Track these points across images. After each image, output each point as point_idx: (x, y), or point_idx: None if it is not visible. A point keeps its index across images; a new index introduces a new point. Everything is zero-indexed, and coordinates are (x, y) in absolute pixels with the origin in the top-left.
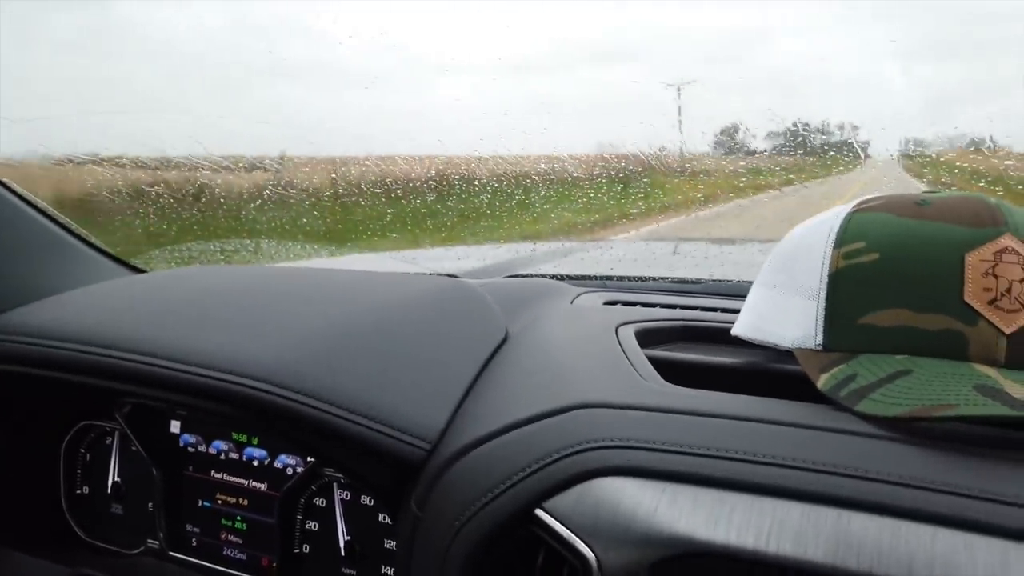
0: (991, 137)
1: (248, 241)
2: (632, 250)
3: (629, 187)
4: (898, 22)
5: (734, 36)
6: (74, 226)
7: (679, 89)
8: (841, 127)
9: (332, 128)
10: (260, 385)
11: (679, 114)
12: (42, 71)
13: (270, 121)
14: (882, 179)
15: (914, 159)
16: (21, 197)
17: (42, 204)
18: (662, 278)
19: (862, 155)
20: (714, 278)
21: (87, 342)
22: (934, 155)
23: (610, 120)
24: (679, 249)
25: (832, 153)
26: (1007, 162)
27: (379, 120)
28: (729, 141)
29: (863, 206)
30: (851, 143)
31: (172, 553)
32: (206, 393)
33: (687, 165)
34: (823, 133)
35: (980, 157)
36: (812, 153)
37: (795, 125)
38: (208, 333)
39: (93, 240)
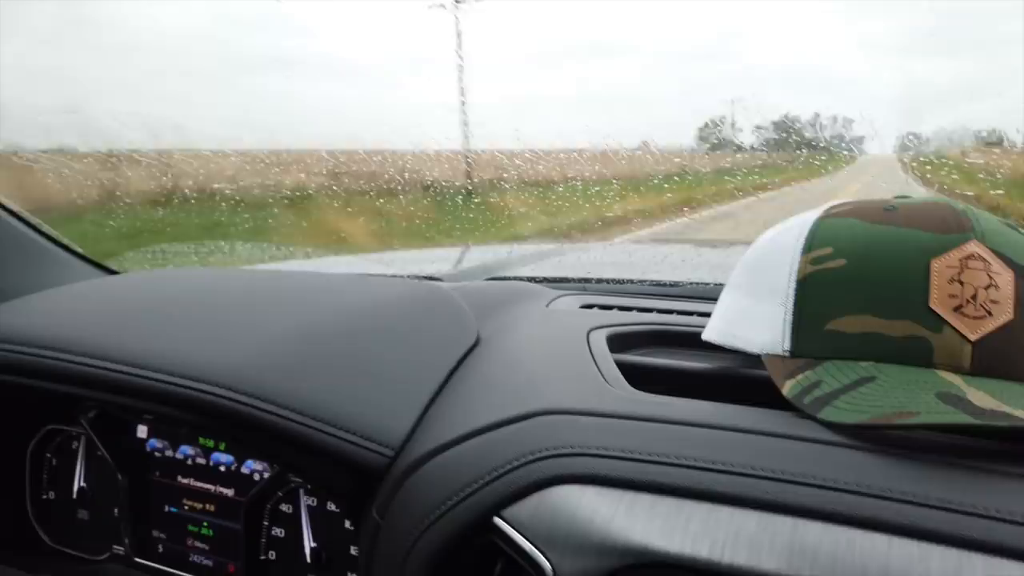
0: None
1: (223, 243)
2: (611, 253)
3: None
4: (897, 16)
5: (723, 32)
6: (44, 226)
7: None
8: (834, 120)
9: (302, 122)
10: (220, 391)
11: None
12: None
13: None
14: (880, 181)
15: (931, 162)
16: None
17: (10, 203)
18: (640, 281)
19: (856, 152)
20: (692, 281)
21: (48, 347)
22: (936, 156)
23: (598, 115)
24: (658, 252)
25: (824, 148)
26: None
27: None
28: (713, 136)
29: (832, 211)
30: (844, 139)
31: (138, 559)
32: (167, 399)
33: (665, 167)
34: (814, 128)
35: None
36: (801, 148)
37: (785, 119)
38: (172, 338)
39: (64, 240)
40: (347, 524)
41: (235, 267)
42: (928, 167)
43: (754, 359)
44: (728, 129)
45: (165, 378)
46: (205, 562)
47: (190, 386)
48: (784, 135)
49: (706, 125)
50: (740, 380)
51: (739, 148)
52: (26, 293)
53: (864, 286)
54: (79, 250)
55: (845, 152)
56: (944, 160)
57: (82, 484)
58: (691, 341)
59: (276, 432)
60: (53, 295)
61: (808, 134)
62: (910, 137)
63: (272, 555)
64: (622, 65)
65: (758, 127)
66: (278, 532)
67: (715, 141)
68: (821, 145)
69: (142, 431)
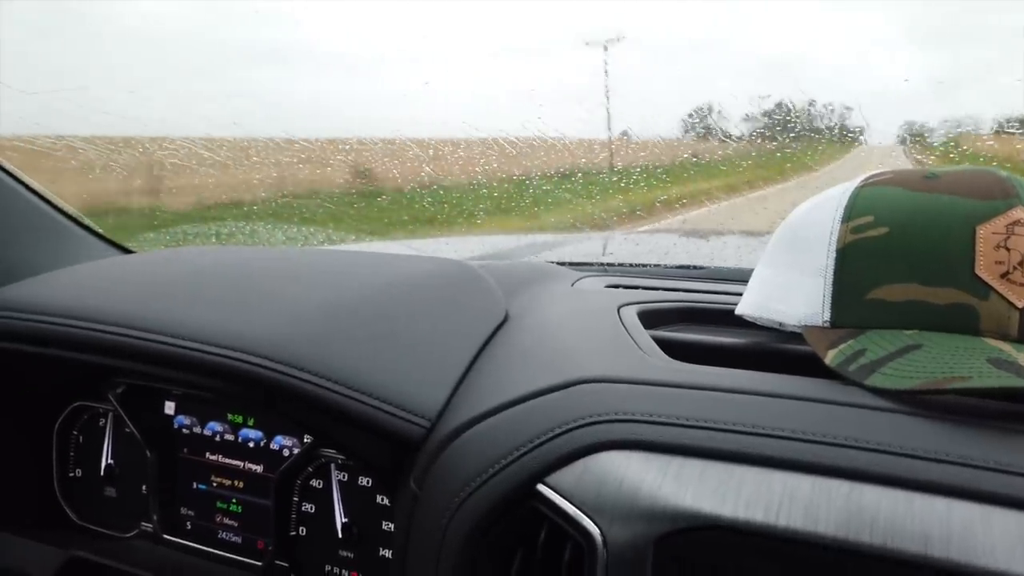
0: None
1: (243, 224)
2: (631, 240)
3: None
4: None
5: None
6: (66, 206)
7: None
8: (830, 108)
9: (311, 112)
10: (257, 360)
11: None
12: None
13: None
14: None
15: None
16: (12, 176)
17: (35, 184)
18: (663, 264)
19: (862, 139)
20: (715, 263)
21: (79, 316)
22: (950, 145)
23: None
24: (679, 241)
25: (825, 136)
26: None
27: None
28: (701, 124)
29: (871, 180)
30: (845, 127)
31: (166, 536)
32: (201, 368)
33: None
34: (811, 115)
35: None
36: (799, 139)
37: (779, 106)
38: (203, 309)
39: (85, 220)
40: (379, 499)
41: (259, 247)
42: (950, 156)
43: (788, 335)
44: (715, 117)
45: (199, 346)
46: (234, 539)
47: (226, 355)
48: (777, 124)
49: (691, 114)
50: (775, 355)
51: (728, 137)
52: (47, 270)
53: (908, 254)
54: (99, 229)
55: (837, 141)
56: (965, 150)
57: (110, 461)
58: (722, 318)
59: (313, 401)
60: (79, 270)
61: (801, 123)
62: (915, 127)
63: (303, 531)
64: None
65: (747, 116)
66: (308, 508)
67: (701, 131)
68: (815, 134)
69: (170, 407)
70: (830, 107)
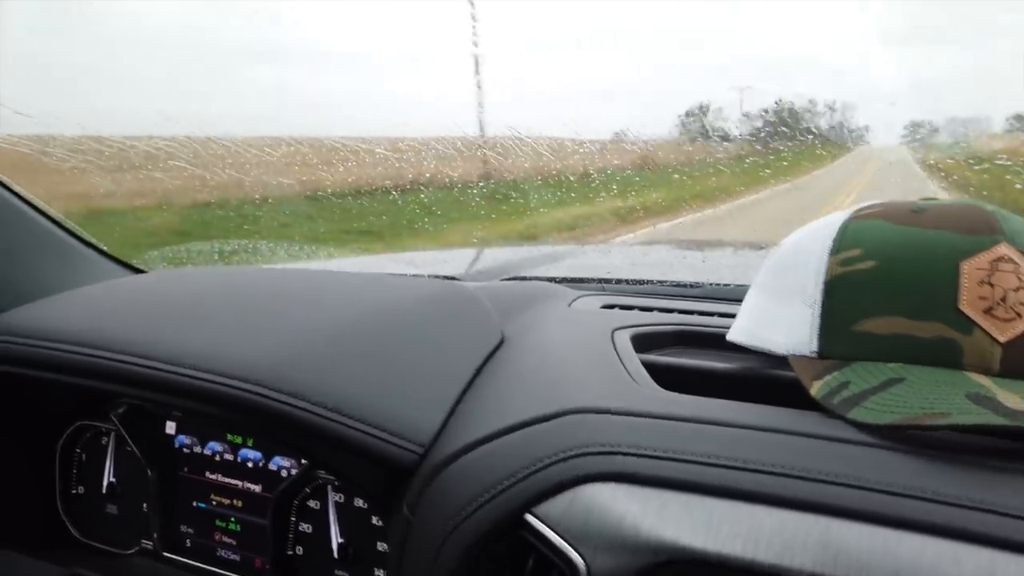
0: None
1: (247, 242)
2: (628, 253)
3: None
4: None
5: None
6: (71, 225)
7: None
8: (831, 108)
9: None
10: (251, 387)
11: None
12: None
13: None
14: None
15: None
16: (18, 195)
17: (39, 202)
18: (660, 281)
19: (861, 142)
20: (712, 282)
21: (80, 343)
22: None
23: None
24: (677, 253)
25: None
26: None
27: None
28: (697, 124)
29: (860, 213)
30: (845, 129)
31: (166, 554)
32: (197, 395)
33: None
34: (809, 116)
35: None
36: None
37: (778, 103)
38: (201, 334)
39: (90, 239)
40: (374, 520)
41: (260, 266)
42: (966, 166)
43: (779, 360)
44: (711, 117)
45: (197, 374)
46: (232, 557)
47: (222, 382)
48: (776, 124)
49: (687, 113)
50: (766, 381)
51: (725, 138)
52: (52, 291)
53: (894, 288)
54: (103, 248)
55: (848, 142)
56: (980, 158)
57: (111, 479)
58: (715, 342)
59: (307, 428)
60: (83, 293)
61: (802, 123)
62: (920, 128)
63: (299, 550)
64: (606, 56)
65: (745, 115)
66: (305, 528)
67: (696, 133)
68: (815, 135)
69: (171, 427)
70: (834, 107)
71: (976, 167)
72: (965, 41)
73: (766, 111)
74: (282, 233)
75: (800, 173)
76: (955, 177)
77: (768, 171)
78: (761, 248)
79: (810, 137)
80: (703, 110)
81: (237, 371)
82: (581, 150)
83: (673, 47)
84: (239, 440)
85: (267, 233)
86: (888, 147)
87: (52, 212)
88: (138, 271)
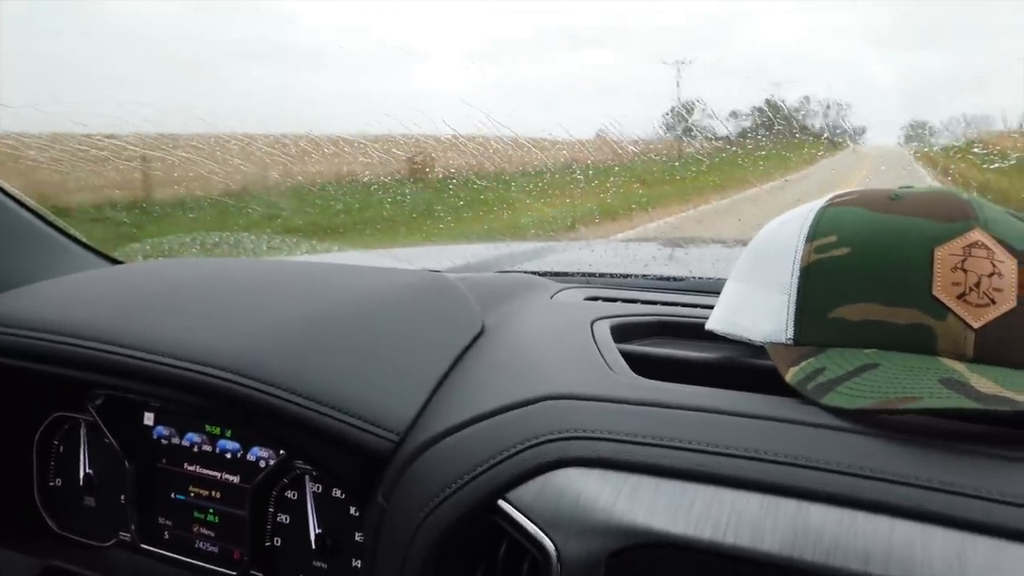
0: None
1: (228, 235)
2: (613, 249)
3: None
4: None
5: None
6: (51, 216)
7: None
8: (826, 106)
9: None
10: (226, 375)
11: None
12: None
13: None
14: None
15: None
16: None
17: (17, 193)
18: (643, 275)
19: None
20: (696, 275)
21: (55, 331)
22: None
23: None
24: (661, 249)
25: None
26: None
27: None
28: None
29: (836, 200)
30: (840, 128)
31: (144, 546)
32: (173, 383)
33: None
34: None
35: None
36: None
37: (768, 102)
38: (178, 323)
39: (70, 230)
40: (352, 511)
41: (240, 257)
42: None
43: (757, 349)
44: (698, 114)
45: (173, 362)
46: (211, 548)
47: (198, 370)
48: (765, 121)
49: (672, 110)
50: (743, 369)
51: (714, 136)
52: (29, 280)
53: (868, 274)
54: (83, 239)
55: (847, 139)
56: (989, 153)
57: (88, 471)
58: (695, 332)
59: (282, 416)
60: (61, 283)
61: (795, 121)
62: (918, 128)
63: (277, 541)
64: (593, 54)
65: (734, 113)
66: (283, 519)
67: (681, 130)
68: (808, 134)
69: (149, 418)
70: (832, 106)
71: (984, 165)
72: (966, 41)
73: (755, 109)
74: (265, 226)
75: (790, 171)
76: (958, 176)
77: (763, 165)
78: (747, 243)
79: (808, 136)
80: (688, 108)
81: (212, 359)
82: (561, 147)
83: (671, 46)
84: (217, 431)
85: (249, 226)
86: (885, 146)
87: (30, 202)
88: (117, 262)
